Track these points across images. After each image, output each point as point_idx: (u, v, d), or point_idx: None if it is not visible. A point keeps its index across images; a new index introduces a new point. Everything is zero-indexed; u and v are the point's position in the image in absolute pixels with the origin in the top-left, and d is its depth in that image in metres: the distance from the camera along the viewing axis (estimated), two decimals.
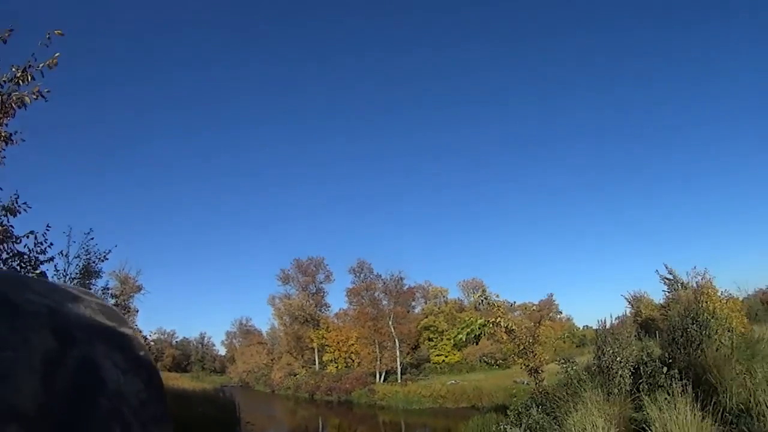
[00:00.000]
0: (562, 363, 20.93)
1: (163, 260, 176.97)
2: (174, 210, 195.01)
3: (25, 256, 18.02)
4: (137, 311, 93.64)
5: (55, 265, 19.42)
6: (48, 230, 18.80)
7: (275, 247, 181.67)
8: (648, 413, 12.56)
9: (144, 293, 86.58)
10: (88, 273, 23.32)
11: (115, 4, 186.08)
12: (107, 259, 24.08)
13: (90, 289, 23.75)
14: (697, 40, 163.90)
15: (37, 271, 19.22)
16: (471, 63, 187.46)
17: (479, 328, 26.17)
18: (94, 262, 23.60)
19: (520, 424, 17.78)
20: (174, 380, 71.22)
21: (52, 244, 18.82)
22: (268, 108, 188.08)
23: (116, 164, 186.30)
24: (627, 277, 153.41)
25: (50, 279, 20.60)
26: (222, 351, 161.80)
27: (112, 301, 26.34)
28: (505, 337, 24.98)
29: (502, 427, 19.05)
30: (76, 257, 22.93)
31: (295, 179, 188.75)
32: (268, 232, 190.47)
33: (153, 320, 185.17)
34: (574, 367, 20.12)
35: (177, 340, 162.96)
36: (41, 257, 18.44)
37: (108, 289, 25.12)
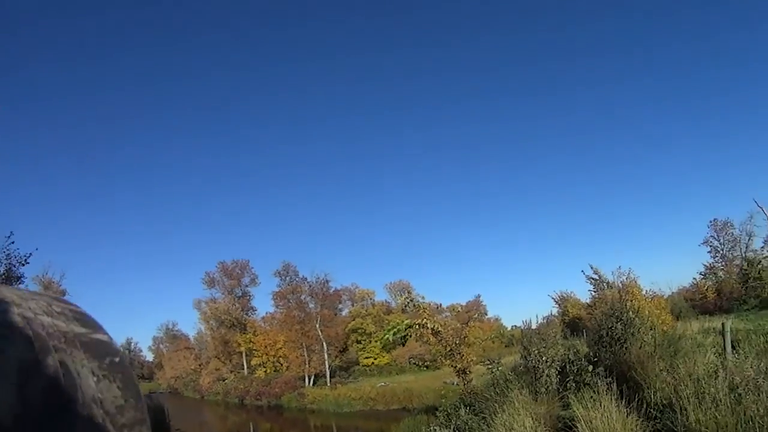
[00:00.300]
0: (488, 364, 21.06)
1: (84, 262, 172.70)
2: (95, 210, 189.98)
3: None
4: None
5: None
6: None
7: (200, 250, 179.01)
8: (574, 411, 12.69)
9: (67, 298, 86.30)
10: (9, 278, 22.78)
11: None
12: (28, 263, 23.74)
13: None
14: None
15: None
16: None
17: (405, 330, 26.31)
18: (14, 266, 23.11)
19: (450, 425, 17.82)
20: None
21: None
22: (195, 109, 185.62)
23: (35, 163, 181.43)
24: (555, 278, 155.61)
25: None
26: (149, 357, 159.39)
27: None
28: (432, 339, 25.04)
29: (432, 428, 19.05)
30: None
31: (220, 181, 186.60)
32: (192, 234, 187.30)
33: None
34: (500, 368, 20.30)
35: None
36: None
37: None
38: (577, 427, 11.92)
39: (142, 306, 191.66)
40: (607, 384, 13.08)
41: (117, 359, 0.86)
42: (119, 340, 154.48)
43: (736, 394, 10.29)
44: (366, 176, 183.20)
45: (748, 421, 9.38)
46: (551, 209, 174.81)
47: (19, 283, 23.57)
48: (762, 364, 11.51)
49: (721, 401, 10.14)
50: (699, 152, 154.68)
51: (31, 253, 23.90)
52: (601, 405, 11.80)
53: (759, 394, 9.77)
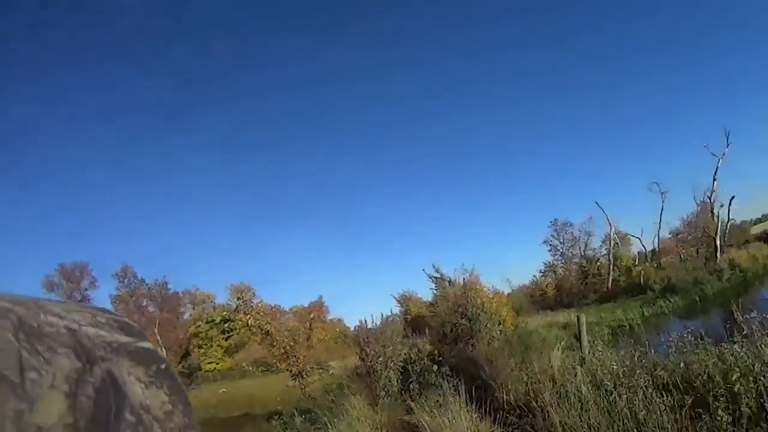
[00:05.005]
0: (318, 369, 19.76)
1: None
2: None
3: None
4: None
5: None
6: None
7: (41, 251, 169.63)
8: (419, 418, 11.06)
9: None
10: None
11: None
12: None
13: None
14: None
15: None
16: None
17: (245, 332, 25.05)
18: None
19: None
20: None
21: None
22: None
23: None
24: (399, 278, 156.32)
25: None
26: None
27: None
28: (262, 340, 23.64)
29: None
30: None
31: (43, 178, 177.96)
32: (26, 234, 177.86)
33: None
34: (331, 371, 18.98)
35: None
36: None
37: None
38: None
39: None
40: (454, 385, 11.64)
41: (163, 366, 0.84)
42: None
43: (605, 391, 8.98)
44: (200, 173, 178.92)
45: (621, 419, 8.07)
46: (396, 209, 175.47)
47: None
48: (627, 360, 10.22)
49: (587, 400, 8.83)
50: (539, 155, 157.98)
51: None
52: (449, 410, 10.18)
53: (632, 391, 8.47)
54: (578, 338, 13.94)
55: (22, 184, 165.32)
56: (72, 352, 0.64)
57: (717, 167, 56.87)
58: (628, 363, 9.78)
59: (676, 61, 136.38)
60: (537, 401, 9.71)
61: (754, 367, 7.88)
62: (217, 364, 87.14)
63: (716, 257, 52.72)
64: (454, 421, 9.77)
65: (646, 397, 8.13)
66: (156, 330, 75.47)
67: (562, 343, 16.85)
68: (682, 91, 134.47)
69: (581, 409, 8.80)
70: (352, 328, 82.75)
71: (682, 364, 8.97)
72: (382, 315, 20.71)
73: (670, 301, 44.43)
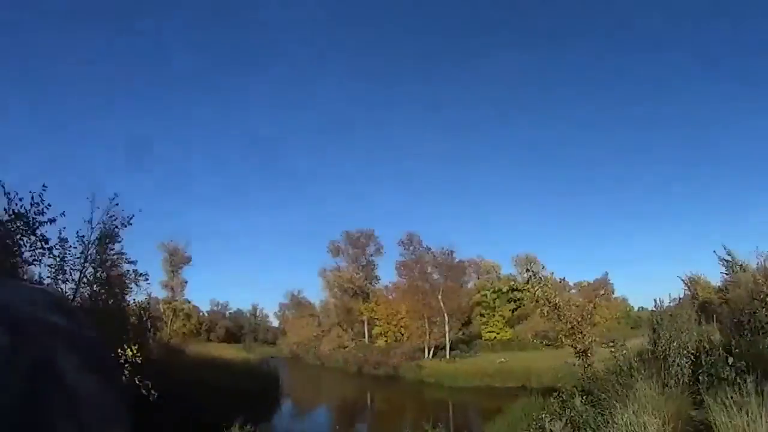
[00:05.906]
0: (610, 345, 18.78)
1: (214, 232, 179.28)
2: (223, 180, 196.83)
3: (24, 217, 17.73)
4: (185, 282, 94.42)
5: (60, 229, 19.47)
6: (44, 190, 18.40)
7: (326, 219, 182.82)
8: (713, 416, 9.86)
9: (190, 265, 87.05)
10: (106, 237, 22.50)
11: None
12: (131, 224, 23.97)
13: (106, 253, 22.78)
14: None
15: (37, 234, 18.69)
16: None
17: (528, 304, 24.70)
18: (117, 227, 23.37)
19: (563, 416, 15.70)
20: (222, 350, 71.38)
21: (49, 205, 18.62)
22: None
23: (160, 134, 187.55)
24: (684, 259, 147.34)
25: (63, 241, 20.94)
26: (275, 322, 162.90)
27: (129, 267, 24.83)
28: (550, 314, 23.03)
29: (543, 415, 16.94)
30: (99, 223, 22.45)
31: (344, 151, 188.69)
32: (318, 203, 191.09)
33: (206, 292, 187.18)
34: (624, 352, 17.95)
35: (230, 311, 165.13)
36: (40, 218, 18.20)
37: (123, 254, 23.87)
38: None
39: (271, 274, 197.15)
40: (754, 383, 10.35)
41: (97, 349, 0.74)
42: (247, 306, 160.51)
43: None
44: (491, 149, 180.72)
45: None
46: (685, 187, 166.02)
47: (115, 243, 23.80)
48: None
49: None
50: None
51: (133, 215, 24.06)
52: (747, 412, 9.06)
53: None
54: None
55: (309, 154, 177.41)
56: (5, 329, 0.67)
57: None
58: None
59: None
60: None
61: None
62: (497, 333, 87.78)
63: None
64: (753, 424, 8.79)
65: None
66: (439, 297, 77.18)
67: None
68: None
69: None
70: (635, 309, 79.83)
71: None
72: (669, 296, 19.76)
73: None
